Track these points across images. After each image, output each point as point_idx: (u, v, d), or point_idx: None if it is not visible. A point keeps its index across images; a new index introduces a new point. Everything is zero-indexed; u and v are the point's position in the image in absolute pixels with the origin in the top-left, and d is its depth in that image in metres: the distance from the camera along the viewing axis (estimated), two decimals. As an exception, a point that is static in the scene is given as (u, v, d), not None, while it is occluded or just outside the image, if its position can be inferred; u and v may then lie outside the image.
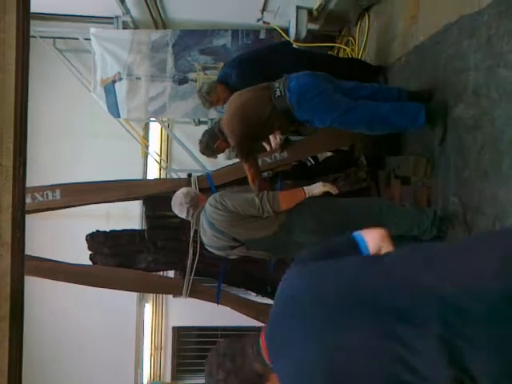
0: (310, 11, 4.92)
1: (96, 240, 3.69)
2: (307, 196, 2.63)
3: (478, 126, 2.53)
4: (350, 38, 4.96)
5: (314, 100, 2.88)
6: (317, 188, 2.65)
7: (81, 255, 3.77)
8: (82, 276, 3.58)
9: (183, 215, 2.81)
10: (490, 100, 2.43)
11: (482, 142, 2.47)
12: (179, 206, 2.78)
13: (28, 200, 3.55)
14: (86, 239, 3.72)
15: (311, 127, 3.42)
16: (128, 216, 5.69)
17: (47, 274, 3.65)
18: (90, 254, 3.75)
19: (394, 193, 3.34)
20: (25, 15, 0.98)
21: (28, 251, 3.49)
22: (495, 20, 2.40)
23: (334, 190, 2.68)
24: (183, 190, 2.86)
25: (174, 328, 6.97)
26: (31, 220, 3.93)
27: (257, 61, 3.75)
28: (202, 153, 3.56)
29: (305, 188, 2.65)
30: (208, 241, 2.75)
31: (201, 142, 3.47)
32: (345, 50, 5.08)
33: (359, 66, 4.16)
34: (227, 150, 5.23)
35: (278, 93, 2.94)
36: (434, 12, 3.16)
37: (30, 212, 3.61)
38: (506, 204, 2.25)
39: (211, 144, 3.38)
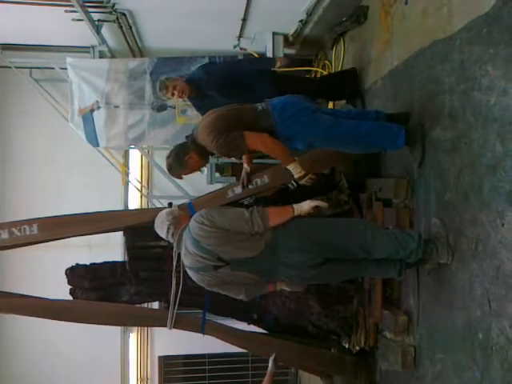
0: (285, 37, 5.01)
1: (76, 274, 3.60)
2: (296, 214, 2.56)
3: (455, 149, 2.55)
4: (327, 62, 5.03)
5: (297, 115, 2.87)
6: (306, 205, 2.57)
7: (61, 288, 3.67)
8: (61, 312, 3.46)
9: (163, 234, 2.70)
10: (466, 123, 2.46)
11: (461, 165, 2.49)
12: (160, 225, 2.70)
13: (5, 235, 3.46)
14: (66, 273, 3.63)
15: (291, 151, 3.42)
16: (110, 244, 5.59)
17: (26, 312, 3.53)
18: (70, 289, 3.66)
19: (377, 215, 3.34)
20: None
21: (6, 286, 3.41)
22: (467, 45, 2.45)
23: (323, 204, 2.61)
24: (167, 209, 2.79)
25: (159, 357, 6.84)
26: (9, 253, 3.87)
27: (233, 73, 3.80)
28: (169, 169, 3.07)
29: (294, 205, 2.58)
30: (190, 262, 2.61)
31: (168, 156, 3.03)
32: (322, 73, 5.14)
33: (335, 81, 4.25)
34: (206, 170, 5.19)
35: (260, 108, 2.92)
36: (407, 37, 3.22)
37: (7, 248, 3.53)
38: (488, 226, 2.26)
39: (182, 156, 2.97)
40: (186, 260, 2.66)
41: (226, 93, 3.65)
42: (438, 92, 2.73)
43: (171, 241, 2.71)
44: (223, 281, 2.64)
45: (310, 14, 4.53)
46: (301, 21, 4.70)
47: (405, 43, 3.23)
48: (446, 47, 2.66)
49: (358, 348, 3.56)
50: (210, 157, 3.15)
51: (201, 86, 3.71)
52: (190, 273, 2.70)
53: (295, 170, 2.88)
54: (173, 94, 3.72)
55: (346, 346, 3.66)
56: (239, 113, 2.91)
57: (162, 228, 2.70)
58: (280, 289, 2.88)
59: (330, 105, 4.94)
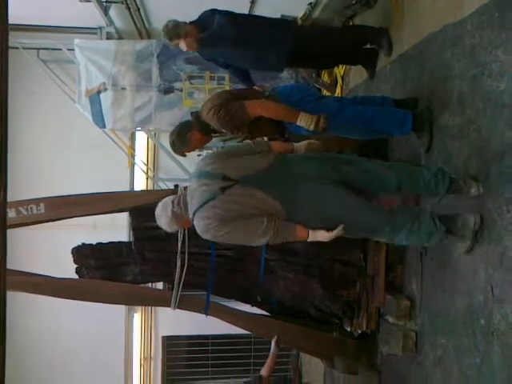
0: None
1: (82, 253, 3.63)
2: (309, 239, 2.31)
3: (463, 135, 2.54)
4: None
5: (302, 101, 2.89)
6: (320, 235, 2.30)
7: (67, 267, 3.71)
8: (68, 290, 3.52)
9: (166, 223, 2.41)
10: (474, 109, 2.45)
11: (469, 151, 2.48)
12: (163, 215, 2.41)
13: (12, 214, 3.50)
14: (72, 252, 3.66)
15: (296, 136, 3.41)
16: (116, 225, 5.64)
17: (33, 289, 3.59)
18: (76, 268, 3.69)
19: (382, 200, 3.34)
20: (3, 26, 0.93)
21: (13, 264, 3.46)
22: (478, 30, 2.42)
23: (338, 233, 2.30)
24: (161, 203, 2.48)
25: (163, 337, 6.93)
26: (16, 232, 3.90)
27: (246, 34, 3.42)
28: (172, 146, 3.05)
29: (310, 231, 2.31)
30: (197, 199, 2.26)
31: (171, 133, 3.02)
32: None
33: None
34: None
35: (267, 93, 2.96)
36: (417, 21, 3.18)
37: (14, 226, 3.56)
38: (494, 212, 2.26)
39: (184, 132, 2.95)
40: (192, 204, 2.30)
41: (233, 43, 3.41)
42: (448, 77, 2.71)
43: (178, 224, 2.43)
44: (236, 211, 2.24)
45: (319, -4, 4.48)
46: (310, 3, 4.65)
47: (415, 27, 3.19)
48: (457, 32, 2.63)
49: (359, 331, 3.59)
50: (217, 139, 3.16)
51: (208, 31, 3.38)
52: (198, 219, 2.28)
53: (306, 122, 2.72)
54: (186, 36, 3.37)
55: (348, 330, 3.70)
56: (245, 94, 2.94)
57: (164, 218, 2.41)
58: (314, 237, 2.32)
59: (338, 90, 4.91)
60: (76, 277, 3.68)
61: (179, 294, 3.52)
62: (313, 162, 2.38)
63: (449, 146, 2.69)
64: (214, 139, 3.99)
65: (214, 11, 3.41)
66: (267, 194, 2.25)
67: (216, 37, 3.35)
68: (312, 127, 2.71)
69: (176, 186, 3.69)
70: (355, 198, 2.35)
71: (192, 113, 3.05)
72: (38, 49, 5.74)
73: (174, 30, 3.33)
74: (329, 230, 2.29)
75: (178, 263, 3.45)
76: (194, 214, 2.28)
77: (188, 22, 3.37)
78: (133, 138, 6.37)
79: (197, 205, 2.26)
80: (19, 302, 5.05)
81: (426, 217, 2.38)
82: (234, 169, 2.28)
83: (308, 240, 2.33)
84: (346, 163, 2.41)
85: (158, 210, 2.43)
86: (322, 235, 2.30)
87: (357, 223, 2.36)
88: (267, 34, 3.43)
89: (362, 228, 2.40)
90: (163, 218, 2.40)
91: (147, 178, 6.42)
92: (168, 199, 2.42)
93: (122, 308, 6.30)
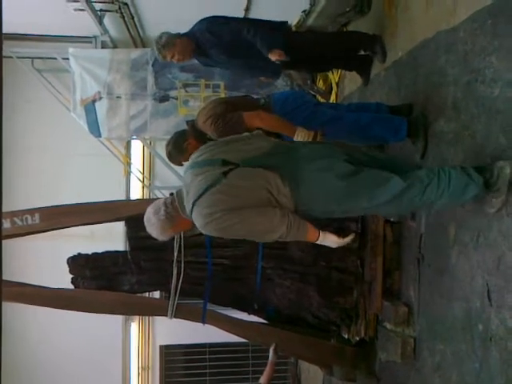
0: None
1: (77, 263, 3.61)
2: (319, 241, 2.15)
3: (458, 140, 2.55)
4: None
5: (298, 109, 2.92)
6: (330, 239, 2.17)
7: (64, 278, 3.69)
8: (63, 301, 3.50)
9: (158, 230, 2.15)
10: (469, 114, 2.46)
11: (464, 157, 2.49)
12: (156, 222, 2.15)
13: (7, 225, 3.48)
14: (67, 262, 3.64)
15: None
16: (113, 235, 5.61)
17: (29, 300, 3.56)
18: (72, 278, 3.67)
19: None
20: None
21: (9, 275, 3.43)
22: (470, 36, 2.44)
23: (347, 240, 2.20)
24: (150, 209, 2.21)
25: (161, 347, 6.88)
26: (13, 243, 3.88)
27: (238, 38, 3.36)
28: (169, 156, 3.06)
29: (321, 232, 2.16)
30: (195, 189, 2.03)
31: (168, 143, 3.03)
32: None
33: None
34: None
35: (262, 101, 2.97)
36: (411, 28, 3.20)
37: (10, 237, 3.55)
38: (491, 217, 2.26)
39: (181, 142, 2.96)
40: (188, 197, 2.06)
41: (229, 53, 3.41)
42: (442, 83, 2.72)
43: (174, 227, 2.19)
44: (242, 197, 2.00)
45: (313, 4, 4.50)
46: (304, 11, 4.68)
47: (409, 34, 3.21)
48: (450, 38, 2.65)
49: (357, 338, 3.58)
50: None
51: (202, 43, 3.39)
52: (197, 211, 2.02)
53: (303, 138, 2.66)
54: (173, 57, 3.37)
55: (346, 337, 3.68)
56: (241, 102, 2.93)
57: (156, 222, 2.15)
58: (323, 240, 2.16)
59: (333, 97, 4.93)
60: (72, 287, 3.66)
61: (176, 302, 3.50)
62: (317, 145, 2.33)
63: (444, 152, 2.69)
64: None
65: (206, 21, 3.40)
66: (271, 171, 2.03)
67: (210, 46, 3.37)
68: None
69: (172, 195, 3.68)
70: (367, 168, 2.13)
71: (187, 121, 3.06)
72: (33, 58, 5.73)
73: (166, 45, 3.30)
74: (337, 230, 2.19)
75: (174, 272, 3.43)
76: (192, 206, 2.02)
77: (181, 33, 3.38)
78: (128, 146, 6.36)
79: (195, 196, 2.01)
80: (17, 311, 5.01)
81: (456, 168, 2.09)
82: (233, 152, 2.08)
83: (317, 242, 2.14)
84: (352, 149, 2.31)
85: (149, 214, 2.16)
86: (331, 239, 2.15)
87: (373, 192, 2.07)
88: (262, 40, 3.41)
89: (379, 193, 2.07)
90: (155, 221, 2.13)
91: (143, 187, 6.41)
92: (159, 202, 2.19)
93: (119, 318, 6.26)
